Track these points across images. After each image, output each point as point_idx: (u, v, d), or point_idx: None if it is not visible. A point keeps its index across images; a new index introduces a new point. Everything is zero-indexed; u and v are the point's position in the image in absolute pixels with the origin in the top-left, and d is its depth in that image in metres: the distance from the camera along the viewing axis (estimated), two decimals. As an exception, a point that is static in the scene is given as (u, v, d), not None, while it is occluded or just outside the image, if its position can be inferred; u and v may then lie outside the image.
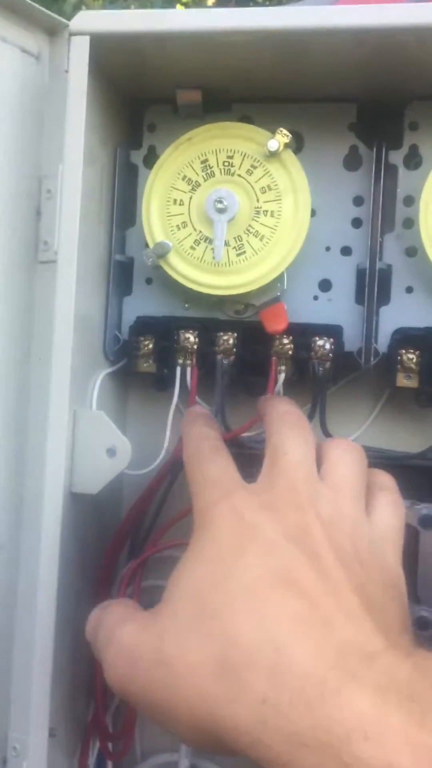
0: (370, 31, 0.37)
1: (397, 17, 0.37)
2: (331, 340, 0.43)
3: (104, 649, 0.30)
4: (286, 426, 0.34)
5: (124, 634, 0.30)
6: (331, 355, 0.43)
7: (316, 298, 0.44)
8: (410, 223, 0.42)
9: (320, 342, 0.43)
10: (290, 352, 0.43)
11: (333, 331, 0.43)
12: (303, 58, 0.40)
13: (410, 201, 0.42)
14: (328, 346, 0.43)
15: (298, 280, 0.43)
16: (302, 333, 0.43)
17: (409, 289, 0.43)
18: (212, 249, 0.42)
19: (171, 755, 0.46)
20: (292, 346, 0.43)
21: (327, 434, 0.44)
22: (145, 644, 0.29)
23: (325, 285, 0.44)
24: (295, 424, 0.34)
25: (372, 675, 0.24)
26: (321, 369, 0.43)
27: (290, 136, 0.41)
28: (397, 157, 0.43)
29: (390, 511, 0.34)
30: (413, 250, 0.42)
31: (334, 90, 0.42)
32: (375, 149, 0.42)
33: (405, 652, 0.25)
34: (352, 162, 0.43)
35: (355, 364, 0.43)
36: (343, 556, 0.29)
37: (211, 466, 0.33)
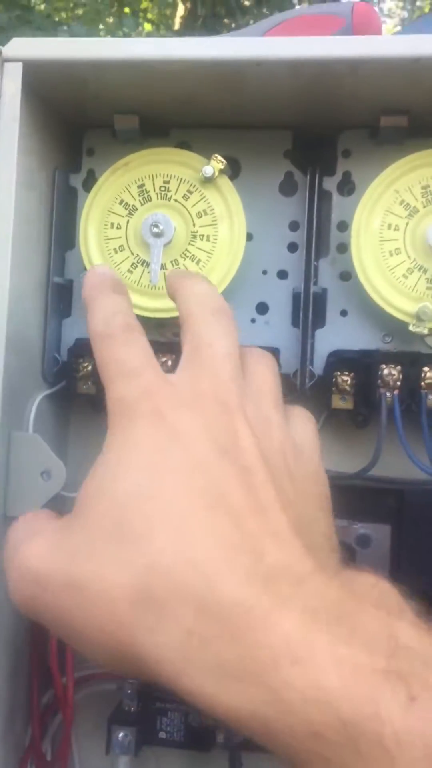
0: (306, 62, 0.38)
1: (332, 49, 0.38)
2: (268, 362, 0.43)
3: (9, 565, 0.28)
4: (209, 312, 0.31)
5: (30, 551, 0.27)
6: (268, 377, 0.43)
7: (253, 320, 0.44)
8: (344, 248, 0.43)
9: (257, 364, 0.43)
10: (228, 374, 0.43)
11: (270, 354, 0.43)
12: (239, 87, 0.41)
13: (344, 226, 0.43)
14: (264, 368, 0.43)
15: (236, 303, 0.44)
16: (239, 355, 0.43)
17: (344, 312, 0.44)
18: (149, 272, 0.42)
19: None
20: (229, 368, 0.43)
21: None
22: (54, 564, 0.26)
23: (262, 308, 0.44)
24: (219, 311, 0.31)
25: (300, 599, 0.23)
26: (258, 391, 0.43)
27: (225, 162, 0.42)
28: (331, 184, 0.44)
29: (305, 417, 0.32)
30: (347, 275, 0.43)
31: (270, 117, 0.43)
32: (309, 176, 0.43)
33: (333, 573, 0.25)
34: (287, 188, 0.44)
35: (292, 386, 0.44)
36: (273, 470, 0.27)
37: (127, 350, 0.29)
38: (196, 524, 0.25)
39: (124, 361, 0.29)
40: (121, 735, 0.43)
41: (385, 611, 0.23)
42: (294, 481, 0.28)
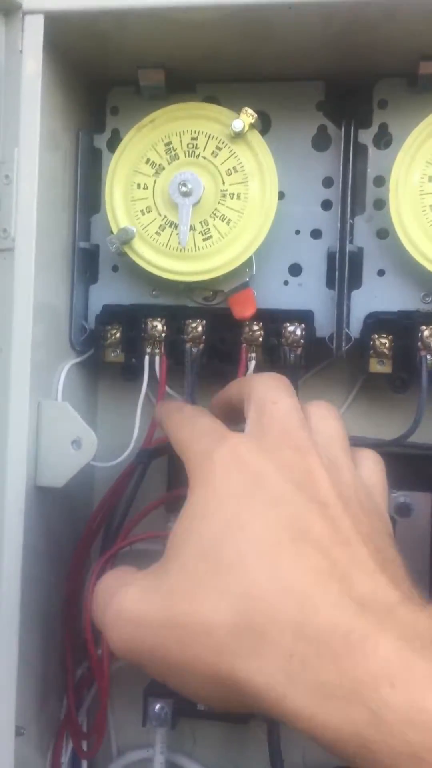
0: (338, 5, 0.36)
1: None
2: (302, 326, 0.42)
3: (103, 613, 0.29)
4: (268, 379, 0.33)
5: (125, 596, 0.28)
6: (302, 341, 0.42)
7: (286, 283, 0.43)
8: (381, 204, 0.41)
9: (291, 328, 0.42)
10: (260, 339, 0.42)
11: (304, 317, 0.42)
12: (268, 36, 0.39)
13: (381, 181, 0.41)
14: (298, 332, 0.42)
15: (268, 264, 0.42)
16: (272, 319, 0.42)
17: (381, 272, 0.42)
18: (178, 234, 0.40)
19: (146, 751, 0.45)
20: (262, 332, 0.42)
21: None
22: (152, 605, 0.27)
23: (296, 269, 0.43)
24: (277, 378, 0.33)
25: (394, 625, 0.24)
26: (292, 356, 0.42)
27: (255, 115, 0.40)
28: (366, 137, 0.41)
29: (374, 464, 0.33)
30: (385, 232, 0.41)
31: (301, 68, 0.41)
32: (344, 129, 0.41)
33: (420, 604, 0.25)
34: (320, 142, 0.42)
35: (327, 350, 0.42)
36: (348, 505, 0.28)
37: (199, 421, 0.32)
38: (286, 554, 0.26)
39: (201, 425, 0.32)
40: (157, 707, 0.43)
41: None
42: (367, 516, 0.29)
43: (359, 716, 0.22)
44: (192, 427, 0.32)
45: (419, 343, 0.40)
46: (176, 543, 0.28)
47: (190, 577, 0.27)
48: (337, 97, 0.42)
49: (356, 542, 0.27)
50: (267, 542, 0.26)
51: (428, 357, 0.40)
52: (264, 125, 0.42)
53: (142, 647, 0.27)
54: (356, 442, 0.43)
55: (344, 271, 0.41)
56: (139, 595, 0.28)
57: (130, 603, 0.28)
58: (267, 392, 0.32)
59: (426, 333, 0.40)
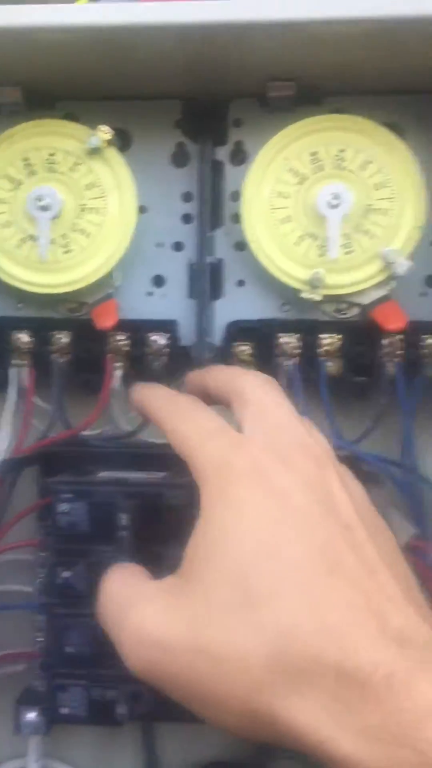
0: (191, 29, 0.37)
1: (217, 14, 0.37)
2: (167, 335, 0.43)
3: (119, 632, 0.28)
4: (261, 381, 0.32)
5: (143, 617, 0.27)
6: (166, 350, 0.43)
7: (150, 294, 0.44)
8: (238, 218, 0.43)
9: (154, 337, 0.43)
10: (125, 349, 0.43)
11: (167, 326, 0.43)
12: (126, 56, 0.40)
13: (237, 196, 0.43)
14: (162, 341, 0.43)
15: (132, 276, 0.43)
16: (137, 329, 0.43)
17: (241, 283, 0.43)
18: (38, 247, 0.41)
19: (21, 760, 0.45)
20: (128, 342, 0.43)
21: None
22: (176, 630, 0.26)
23: (159, 281, 0.44)
24: (270, 380, 0.32)
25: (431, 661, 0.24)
26: (157, 364, 0.43)
27: (112, 132, 0.41)
28: (223, 154, 0.43)
29: (353, 476, 0.32)
30: (243, 245, 0.43)
31: (159, 87, 0.43)
32: (200, 146, 0.43)
33: None
34: (179, 159, 0.44)
35: (193, 359, 0.44)
36: (367, 527, 0.28)
37: (201, 417, 0.30)
38: (322, 587, 0.25)
39: (204, 423, 0.30)
40: (30, 715, 0.43)
41: None
42: (384, 538, 0.29)
43: (408, 758, 0.22)
44: (196, 424, 0.30)
45: (277, 350, 0.42)
46: (197, 562, 0.27)
47: (218, 604, 0.26)
48: (195, 116, 0.44)
49: (383, 571, 0.26)
50: (302, 574, 0.25)
51: (286, 363, 0.42)
52: (124, 142, 0.43)
53: (167, 672, 0.27)
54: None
55: (204, 281, 0.42)
56: (161, 617, 0.27)
57: (152, 624, 0.27)
58: (265, 395, 0.31)
59: (283, 340, 0.42)
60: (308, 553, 0.26)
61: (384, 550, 0.28)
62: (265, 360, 0.42)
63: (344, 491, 0.28)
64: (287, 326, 0.42)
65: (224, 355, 0.43)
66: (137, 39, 0.38)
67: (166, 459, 0.44)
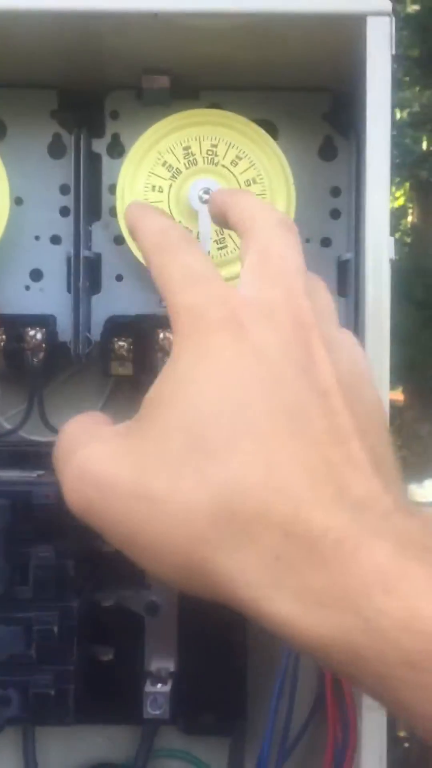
0: (69, 15, 0.37)
1: (92, 3, 0.36)
2: (43, 330, 0.42)
3: (64, 465, 0.26)
4: (275, 222, 0.29)
5: (90, 454, 0.26)
6: (44, 345, 0.42)
7: (27, 288, 0.43)
8: (116, 211, 0.43)
9: (32, 332, 0.42)
10: (2, 344, 0.42)
11: (45, 321, 0.42)
12: (2, 41, 0.39)
13: (115, 189, 0.42)
14: (39, 336, 0.42)
15: (8, 270, 0.43)
16: (13, 324, 0.42)
17: (119, 277, 0.43)
18: None
19: None
20: (4, 337, 0.42)
21: (50, 428, 0.43)
22: (121, 470, 0.25)
23: (36, 274, 0.43)
24: (285, 223, 0.29)
25: (387, 531, 0.23)
26: (35, 360, 0.42)
27: (-19, 121, 0.40)
28: (100, 146, 0.43)
29: (359, 346, 0.30)
30: (121, 239, 0.43)
31: (35, 75, 0.42)
32: (75, 137, 0.42)
33: (411, 510, 0.24)
34: (55, 150, 0.43)
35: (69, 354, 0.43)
36: (347, 395, 0.26)
37: (190, 257, 0.28)
38: (281, 447, 0.24)
39: (190, 266, 0.27)
40: None
41: None
42: (363, 405, 0.27)
43: (351, 624, 0.21)
44: (180, 264, 0.28)
45: (156, 345, 0.42)
46: (155, 407, 0.26)
47: (170, 449, 0.24)
48: (71, 106, 0.43)
49: (354, 441, 0.25)
50: (264, 431, 0.24)
51: (165, 359, 0.42)
52: (-1, 131, 0.42)
53: (105, 514, 0.25)
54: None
55: (79, 276, 0.42)
56: (107, 455, 0.26)
57: (96, 462, 0.26)
58: (274, 240, 0.28)
59: (162, 336, 0.42)
60: (273, 412, 0.24)
61: (363, 421, 0.26)
62: (145, 355, 0.42)
63: (327, 357, 0.26)
64: (166, 322, 0.42)
65: (103, 351, 0.42)
66: (11, 24, 0.37)
67: (45, 457, 0.44)
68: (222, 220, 0.32)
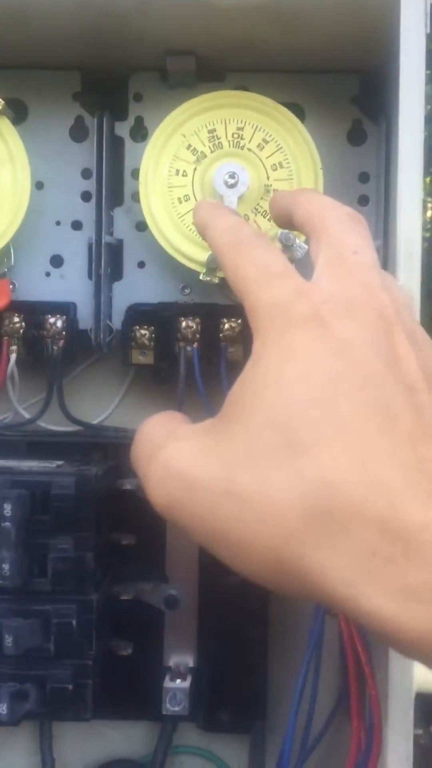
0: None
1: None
2: (64, 317, 0.41)
3: (147, 464, 0.26)
4: (346, 217, 0.29)
5: (175, 452, 0.26)
6: (64, 333, 0.41)
7: (48, 274, 0.42)
8: (138, 196, 0.41)
9: (52, 320, 0.41)
10: (21, 331, 0.41)
11: (65, 309, 0.41)
12: (22, 23, 0.38)
13: (138, 174, 0.41)
14: (60, 324, 0.41)
15: (28, 255, 0.42)
16: (33, 311, 0.41)
17: (141, 264, 0.42)
18: None
19: None
20: (23, 324, 0.41)
21: (70, 418, 0.42)
22: (208, 468, 0.25)
23: (57, 261, 0.42)
24: (356, 218, 0.29)
25: None
26: (54, 348, 0.41)
27: (2, 102, 0.39)
28: (123, 129, 0.42)
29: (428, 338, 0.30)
30: (143, 225, 0.42)
31: (57, 57, 0.41)
32: (98, 120, 0.41)
33: None
34: (78, 133, 0.42)
35: (90, 342, 0.42)
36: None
37: (265, 254, 0.28)
38: (373, 443, 0.23)
39: (268, 264, 0.27)
40: None
41: None
42: None
43: None
44: (256, 262, 0.28)
45: (178, 334, 0.41)
46: (240, 405, 0.25)
47: (258, 447, 0.24)
48: (94, 88, 0.42)
49: None
50: (354, 427, 0.24)
51: (187, 348, 0.41)
52: (20, 114, 0.41)
53: (192, 512, 0.25)
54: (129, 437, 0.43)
55: (100, 262, 0.41)
56: (193, 453, 0.26)
57: (183, 460, 0.25)
58: (346, 235, 0.28)
59: (183, 324, 0.41)
60: (363, 408, 0.24)
61: None
62: (166, 344, 0.41)
63: (412, 352, 0.26)
64: (188, 310, 0.41)
65: (124, 339, 0.42)
66: (34, 4, 0.36)
67: (67, 448, 0.44)
68: (285, 221, 0.31)
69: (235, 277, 0.28)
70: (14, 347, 0.41)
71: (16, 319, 0.41)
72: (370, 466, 0.23)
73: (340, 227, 0.28)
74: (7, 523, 0.35)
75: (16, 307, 0.41)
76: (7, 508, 0.35)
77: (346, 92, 0.42)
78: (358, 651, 0.39)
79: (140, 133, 0.42)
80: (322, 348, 0.25)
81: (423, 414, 0.25)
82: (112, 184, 0.41)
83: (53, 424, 0.44)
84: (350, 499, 0.23)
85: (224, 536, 0.25)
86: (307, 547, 0.23)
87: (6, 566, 0.34)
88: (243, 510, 0.24)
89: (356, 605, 0.23)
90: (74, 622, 0.36)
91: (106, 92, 0.42)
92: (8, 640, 0.35)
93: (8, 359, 0.41)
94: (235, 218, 0.31)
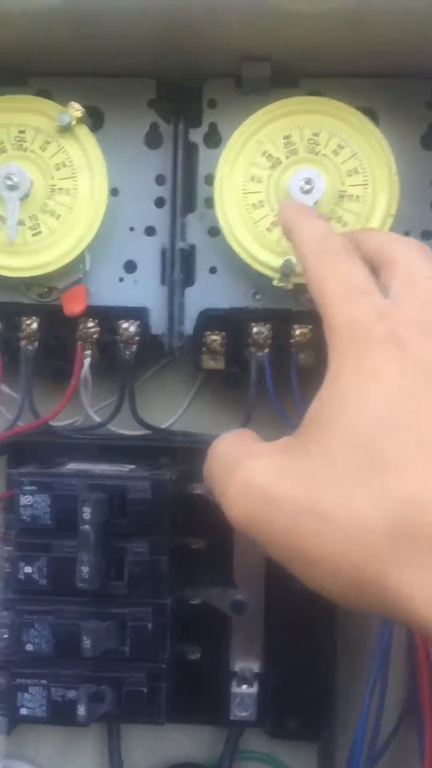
0: (160, 3, 0.36)
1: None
2: (137, 322, 0.42)
3: (226, 482, 0.26)
4: (415, 249, 0.30)
5: (255, 468, 0.26)
6: (137, 338, 0.42)
7: (121, 279, 0.43)
8: (212, 202, 0.41)
9: (125, 325, 0.42)
10: (95, 336, 0.42)
11: (138, 314, 0.42)
12: (96, 32, 0.38)
13: (211, 180, 0.41)
14: (133, 329, 0.42)
15: (102, 261, 0.42)
16: (107, 316, 0.42)
17: (213, 270, 0.42)
18: (5, 229, 0.40)
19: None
20: (97, 329, 0.42)
21: (140, 422, 0.43)
22: (288, 485, 0.25)
23: (131, 266, 0.43)
24: (425, 249, 0.30)
25: None
26: (127, 353, 0.42)
27: (82, 110, 0.39)
28: (197, 136, 0.42)
29: None
30: (216, 230, 0.42)
31: (132, 64, 0.41)
32: (173, 127, 0.41)
33: None
34: (153, 140, 0.42)
35: (164, 347, 0.42)
36: None
37: (351, 269, 0.28)
38: None
39: (351, 279, 0.28)
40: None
41: None
42: None
43: None
44: (342, 276, 0.28)
45: (249, 340, 0.41)
46: (320, 424, 0.26)
47: (340, 466, 0.24)
48: (169, 95, 0.42)
49: None
50: None
51: (257, 353, 0.41)
52: (97, 121, 0.42)
53: (272, 528, 0.25)
54: (196, 440, 0.44)
55: (174, 268, 0.41)
56: (272, 470, 0.26)
57: (263, 476, 0.26)
58: (417, 263, 0.29)
59: (255, 330, 0.41)
60: None
61: None
62: (237, 349, 0.41)
63: None
64: (259, 315, 0.41)
65: (195, 344, 0.42)
66: (108, 13, 0.37)
67: (136, 451, 0.44)
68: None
69: (318, 289, 0.28)
70: (88, 351, 0.42)
71: (91, 324, 0.42)
72: None
73: (410, 256, 0.29)
74: (87, 526, 0.35)
75: (90, 312, 0.42)
76: (87, 512, 0.35)
77: (420, 96, 0.42)
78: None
79: (214, 140, 0.42)
80: (403, 369, 0.25)
81: None
82: (185, 190, 0.42)
83: (122, 427, 0.44)
84: None
85: (305, 554, 0.25)
86: (392, 566, 0.23)
87: (85, 569, 0.35)
88: (325, 528, 0.24)
89: None
90: (149, 625, 0.36)
91: (180, 99, 0.42)
92: (86, 642, 0.35)
93: (82, 363, 0.42)
94: (323, 224, 0.32)
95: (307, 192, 0.38)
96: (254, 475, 0.26)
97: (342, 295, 0.27)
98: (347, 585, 0.24)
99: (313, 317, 0.41)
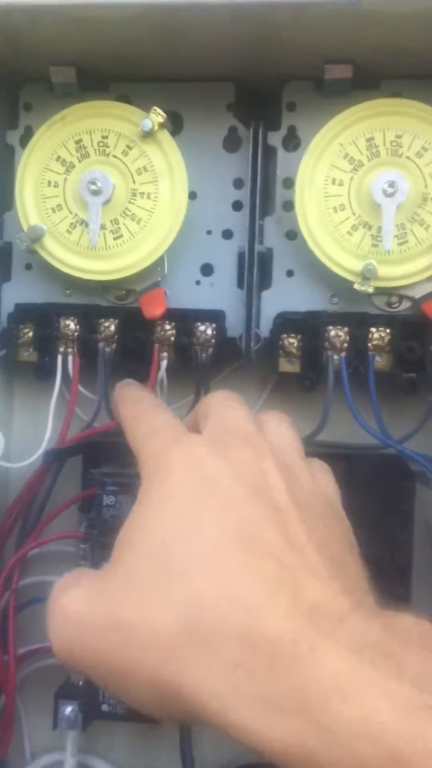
0: (246, 7, 0.36)
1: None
2: (213, 325, 0.42)
3: (48, 620, 0.28)
4: (221, 394, 0.34)
5: (68, 601, 0.27)
6: (213, 341, 0.42)
7: (198, 282, 0.43)
8: (290, 206, 0.42)
9: (202, 327, 0.42)
10: (172, 339, 0.42)
11: (215, 317, 0.42)
12: (178, 36, 0.39)
13: (290, 183, 0.42)
14: (209, 331, 0.42)
15: (180, 264, 0.43)
16: (184, 318, 0.42)
17: (290, 273, 0.42)
18: (88, 232, 0.40)
19: (58, 754, 0.45)
20: (174, 332, 0.42)
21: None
22: (96, 609, 0.27)
23: (207, 269, 0.43)
24: (230, 394, 0.34)
25: (344, 635, 0.23)
26: (203, 355, 0.42)
27: (164, 115, 0.40)
28: (275, 139, 0.42)
29: (327, 473, 0.33)
30: (293, 233, 0.42)
31: (212, 69, 0.41)
32: (253, 130, 0.41)
33: (372, 613, 0.25)
34: (231, 143, 0.43)
35: (239, 350, 0.43)
36: (303, 511, 0.28)
37: (157, 419, 0.32)
38: (234, 561, 0.25)
39: (155, 424, 0.32)
40: (68, 710, 0.42)
41: (428, 651, 0.23)
42: (325, 522, 0.29)
43: (308, 730, 0.22)
44: (148, 424, 0.32)
45: (326, 343, 0.41)
46: (123, 545, 0.28)
47: (137, 581, 0.26)
48: (248, 99, 0.42)
49: (309, 549, 0.26)
50: (216, 550, 0.26)
51: (334, 357, 0.41)
52: (176, 126, 0.42)
53: (84, 652, 0.26)
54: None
55: (252, 271, 0.41)
56: (83, 598, 0.27)
57: (74, 605, 0.27)
58: (223, 402, 0.32)
59: (332, 333, 0.41)
60: (224, 531, 0.26)
61: (322, 535, 0.28)
62: (313, 353, 0.41)
63: (280, 478, 0.28)
64: (336, 319, 0.41)
65: (272, 348, 0.42)
66: (190, 18, 0.37)
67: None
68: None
69: (130, 438, 0.32)
70: (165, 354, 0.42)
71: (168, 327, 0.42)
72: (229, 582, 0.25)
73: (217, 399, 0.33)
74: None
75: (167, 314, 0.42)
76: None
77: None
78: None
79: (293, 143, 0.42)
80: (191, 485, 0.28)
81: (288, 529, 0.27)
82: (263, 194, 0.42)
83: (196, 429, 0.44)
84: (213, 616, 0.24)
85: (114, 669, 0.26)
86: (182, 667, 0.24)
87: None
88: (126, 640, 0.25)
89: (226, 720, 0.23)
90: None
91: (259, 102, 0.42)
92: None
93: (158, 365, 0.42)
94: (137, 392, 0.37)
95: (390, 195, 0.38)
96: (68, 605, 0.27)
97: (149, 438, 0.31)
98: (151, 693, 0.25)
99: (391, 320, 0.41)
